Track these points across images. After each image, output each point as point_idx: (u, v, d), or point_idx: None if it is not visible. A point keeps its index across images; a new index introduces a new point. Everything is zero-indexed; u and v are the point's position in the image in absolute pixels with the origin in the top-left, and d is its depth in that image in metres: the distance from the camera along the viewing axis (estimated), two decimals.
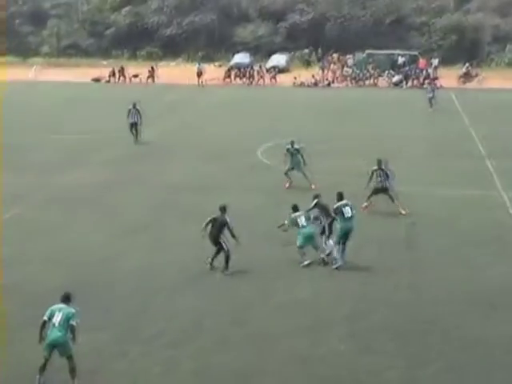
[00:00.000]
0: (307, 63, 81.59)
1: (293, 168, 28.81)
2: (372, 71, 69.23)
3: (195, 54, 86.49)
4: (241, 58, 78.39)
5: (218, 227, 20.03)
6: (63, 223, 24.47)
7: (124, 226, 24.09)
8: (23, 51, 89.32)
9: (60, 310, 14.34)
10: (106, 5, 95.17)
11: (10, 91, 59.30)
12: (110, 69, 70.19)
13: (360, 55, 76.07)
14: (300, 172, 28.77)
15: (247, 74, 69.32)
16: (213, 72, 72.13)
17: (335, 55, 76.59)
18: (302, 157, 28.80)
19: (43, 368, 14.27)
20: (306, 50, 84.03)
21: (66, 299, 14.61)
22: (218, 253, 20.16)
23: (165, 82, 66.58)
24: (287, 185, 28.84)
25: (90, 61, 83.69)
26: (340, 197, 20.87)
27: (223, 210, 20.26)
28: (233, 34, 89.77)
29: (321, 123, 45.01)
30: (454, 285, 19.27)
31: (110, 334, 16.45)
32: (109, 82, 68.82)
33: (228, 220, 20.06)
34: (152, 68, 69.23)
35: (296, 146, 28.94)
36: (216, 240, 20.07)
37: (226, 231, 20.13)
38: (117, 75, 69.19)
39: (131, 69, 71.04)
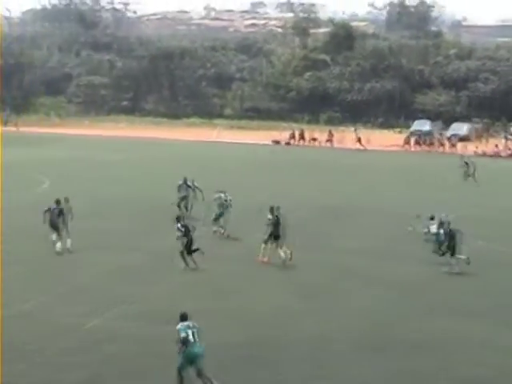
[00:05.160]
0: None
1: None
2: None
3: (375, 120, 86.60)
4: (421, 124, 77.79)
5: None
6: (247, 280, 24.77)
7: (302, 289, 24.05)
8: (208, 113, 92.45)
9: (190, 327, 15.88)
10: (289, 69, 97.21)
11: (192, 151, 61.67)
12: (291, 131, 71.32)
13: None
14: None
15: (427, 141, 68.50)
16: (391, 138, 71.83)
17: None
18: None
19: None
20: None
21: (187, 316, 16.18)
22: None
23: (343, 146, 66.78)
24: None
25: (270, 123, 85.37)
26: (432, 218, 27.87)
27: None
28: (413, 101, 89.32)
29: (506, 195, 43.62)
30: None
31: None
32: (289, 144, 69.90)
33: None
34: (330, 132, 69.79)
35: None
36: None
37: None
38: (297, 138, 70.20)
39: (311, 132, 71.87)
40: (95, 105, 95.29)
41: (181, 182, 34.78)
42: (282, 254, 26.20)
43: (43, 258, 26.65)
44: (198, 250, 25.67)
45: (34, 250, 27.66)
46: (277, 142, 70.65)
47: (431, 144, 68.09)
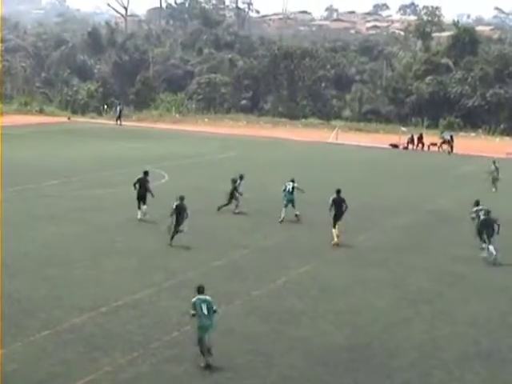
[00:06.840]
0: None
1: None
2: None
3: (497, 127, 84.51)
4: None
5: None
6: (351, 283, 24.64)
7: (408, 294, 23.78)
8: (326, 114, 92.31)
9: (203, 301, 17.14)
10: (409, 73, 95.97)
11: (307, 151, 61.76)
12: (409, 136, 70.37)
13: None
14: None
15: None
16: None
17: None
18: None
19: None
20: None
21: (203, 290, 17.41)
22: None
23: (463, 153, 65.38)
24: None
25: (388, 127, 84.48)
26: (477, 203, 28.99)
27: None
28: None
29: None
30: None
31: None
32: (406, 148, 68.96)
33: None
34: (451, 137, 68.43)
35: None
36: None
37: None
38: (415, 142, 69.20)
39: (430, 137, 70.68)
40: (215, 103, 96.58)
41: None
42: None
43: (153, 251, 27.18)
44: (182, 231, 27.35)
45: (146, 243, 28.28)
46: (395, 146, 69.79)
47: None
